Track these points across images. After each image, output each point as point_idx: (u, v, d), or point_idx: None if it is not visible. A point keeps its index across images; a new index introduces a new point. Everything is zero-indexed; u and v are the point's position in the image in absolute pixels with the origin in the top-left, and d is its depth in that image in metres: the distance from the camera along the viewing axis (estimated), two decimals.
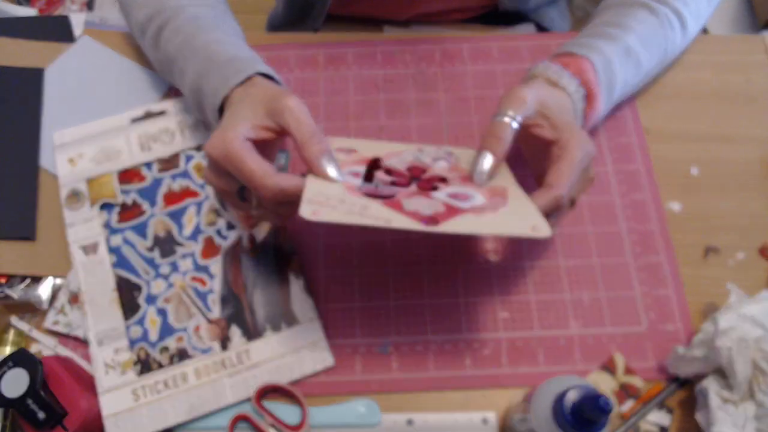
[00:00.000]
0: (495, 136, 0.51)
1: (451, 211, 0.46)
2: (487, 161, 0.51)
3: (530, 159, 0.57)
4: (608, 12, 0.64)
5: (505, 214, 0.46)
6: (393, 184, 0.50)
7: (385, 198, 0.47)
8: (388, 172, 0.52)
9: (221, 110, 0.54)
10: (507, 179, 0.51)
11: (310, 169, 0.48)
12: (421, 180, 0.51)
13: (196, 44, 0.56)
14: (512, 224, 0.45)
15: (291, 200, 0.46)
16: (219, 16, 0.61)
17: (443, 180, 0.51)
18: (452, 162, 0.54)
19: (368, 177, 0.50)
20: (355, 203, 0.45)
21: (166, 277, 0.58)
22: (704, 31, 0.69)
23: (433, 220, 0.44)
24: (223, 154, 0.48)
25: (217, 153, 0.48)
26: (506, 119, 0.51)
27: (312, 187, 0.46)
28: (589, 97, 0.57)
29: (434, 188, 0.50)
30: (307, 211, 0.42)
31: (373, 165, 0.52)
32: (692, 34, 0.66)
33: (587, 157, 0.51)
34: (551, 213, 0.49)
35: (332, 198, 0.45)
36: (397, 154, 0.55)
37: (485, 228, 0.45)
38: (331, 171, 0.48)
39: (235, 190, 0.51)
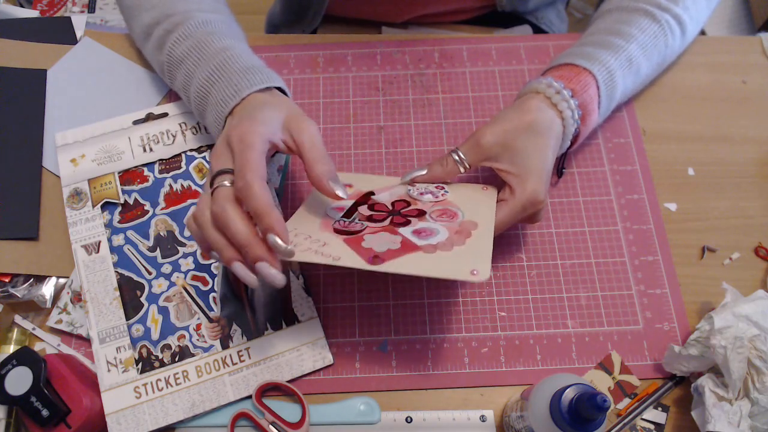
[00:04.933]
0: (442, 164, 0.56)
1: (405, 248, 0.48)
2: (419, 172, 0.56)
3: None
4: (609, 17, 0.63)
5: (454, 255, 0.48)
6: (370, 219, 0.53)
7: (351, 234, 0.51)
8: (371, 206, 0.55)
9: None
10: (486, 215, 0.53)
11: (317, 187, 0.50)
12: (399, 214, 0.54)
13: (210, 50, 0.56)
14: (453, 267, 0.46)
15: (248, 205, 0.46)
16: (227, 22, 0.61)
17: (421, 214, 0.53)
18: (440, 196, 0.56)
19: (349, 213, 0.54)
20: (318, 240, 0.49)
21: (167, 276, 0.59)
22: (701, 32, 0.69)
23: (378, 258, 0.47)
24: (240, 135, 0.47)
25: (237, 132, 0.48)
26: (456, 158, 0.55)
27: (294, 220, 0.51)
28: (583, 117, 0.57)
29: (406, 223, 0.52)
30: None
31: (362, 200, 0.56)
32: (691, 38, 0.67)
33: (532, 207, 0.54)
34: None
35: (301, 234, 0.50)
36: (390, 188, 0.57)
37: (424, 270, 0.46)
38: (338, 190, 0.49)
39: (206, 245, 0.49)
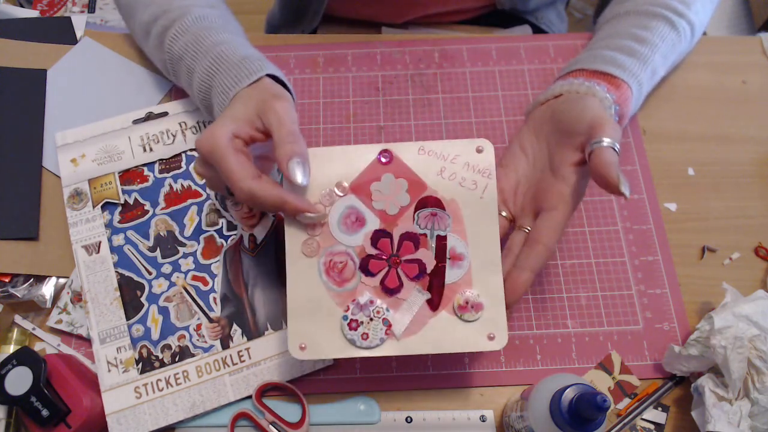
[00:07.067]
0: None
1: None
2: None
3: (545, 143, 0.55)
4: (627, 20, 0.62)
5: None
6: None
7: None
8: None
9: None
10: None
11: (279, 168, 0.49)
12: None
13: (206, 44, 0.56)
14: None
15: (263, 206, 0.48)
16: (223, 16, 0.61)
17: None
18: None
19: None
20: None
21: (167, 277, 0.59)
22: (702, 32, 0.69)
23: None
24: (209, 149, 0.48)
25: (204, 147, 0.49)
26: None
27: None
28: None
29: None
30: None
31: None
32: (696, 40, 0.67)
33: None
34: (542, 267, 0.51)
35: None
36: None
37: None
38: (299, 175, 0.47)
39: (223, 185, 0.52)
